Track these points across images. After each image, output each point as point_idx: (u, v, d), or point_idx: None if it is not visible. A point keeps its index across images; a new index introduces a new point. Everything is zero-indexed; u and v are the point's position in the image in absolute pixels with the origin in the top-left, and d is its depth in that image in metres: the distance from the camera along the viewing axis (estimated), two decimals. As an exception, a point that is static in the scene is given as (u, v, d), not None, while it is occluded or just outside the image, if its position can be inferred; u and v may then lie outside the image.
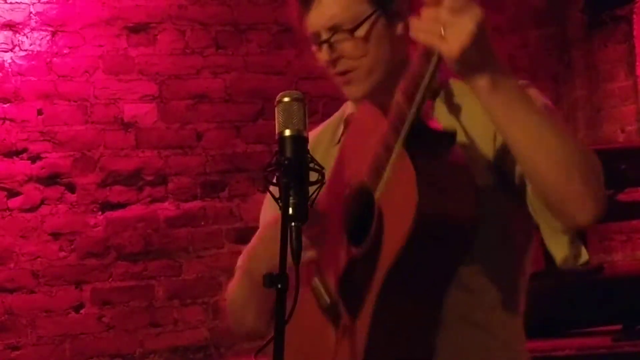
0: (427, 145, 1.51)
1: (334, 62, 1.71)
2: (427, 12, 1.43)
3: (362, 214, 1.61)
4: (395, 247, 1.49)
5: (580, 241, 1.58)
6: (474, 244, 1.53)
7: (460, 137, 1.63)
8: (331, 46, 1.70)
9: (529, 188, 1.58)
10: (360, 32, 1.69)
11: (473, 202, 1.50)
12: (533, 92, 1.66)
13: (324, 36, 1.71)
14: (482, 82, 1.45)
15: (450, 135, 1.54)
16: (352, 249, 1.63)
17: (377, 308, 1.54)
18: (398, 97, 1.52)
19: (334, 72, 1.73)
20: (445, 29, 1.40)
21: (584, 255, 1.59)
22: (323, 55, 1.72)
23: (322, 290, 1.70)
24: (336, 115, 1.89)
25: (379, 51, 1.70)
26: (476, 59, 1.43)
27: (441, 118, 1.66)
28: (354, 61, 1.70)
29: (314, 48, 1.75)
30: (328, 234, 1.67)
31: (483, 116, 1.52)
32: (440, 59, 1.43)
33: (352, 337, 1.60)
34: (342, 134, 1.81)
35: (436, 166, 1.51)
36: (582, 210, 1.50)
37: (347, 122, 1.82)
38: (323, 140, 1.85)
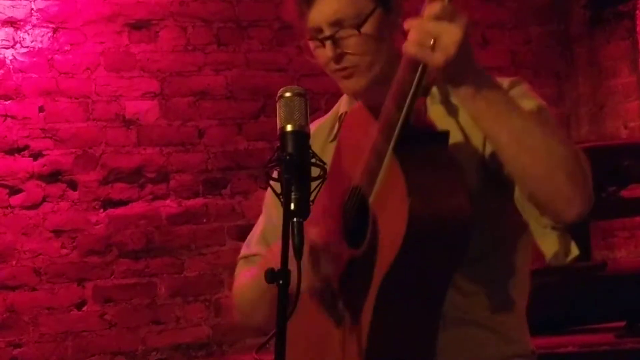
0: (418, 149, 1.52)
1: (337, 58, 1.70)
2: (415, 23, 1.45)
3: (358, 217, 1.62)
4: (390, 253, 1.51)
5: (570, 236, 1.60)
6: (469, 242, 1.53)
7: (457, 137, 1.64)
8: (335, 42, 1.70)
9: (516, 187, 1.60)
10: (365, 29, 1.69)
11: (466, 202, 1.50)
12: (523, 89, 1.67)
13: (327, 32, 1.71)
14: (466, 88, 1.48)
15: (442, 135, 1.55)
16: (350, 250, 1.64)
17: (376, 310, 1.55)
18: (388, 103, 1.53)
19: (335, 67, 1.72)
20: (434, 39, 1.42)
21: (574, 251, 1.60)
22: (326, 51, 1.71)
23: (325, 289, 1.70)
24: (331, 112, 1.89)
25: (380, 47, 1.71)
26: (459, 67, 1.45)
27: (438, 118, 1.66)
28: (358, 57, 1.70)
29: (313, 44, 1.74)
30: (328, 234, 1.68)
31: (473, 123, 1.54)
32: (425, 67, 1.46)
33: (354, 338, 1.60)
34: (337, 131, 1.82)
35: (427, 169, 1.52)
36: (568, 208, 1.53)
37: (342, 120, 1.82)
38: (319, 138, 1.84)
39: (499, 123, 1.50)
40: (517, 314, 1.74)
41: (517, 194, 1.60)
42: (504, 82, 1.67)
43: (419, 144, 1.53)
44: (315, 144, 1.80)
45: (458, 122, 1.67)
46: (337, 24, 1.69)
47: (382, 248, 1.54)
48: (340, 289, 1.67)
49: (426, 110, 1.60)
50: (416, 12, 1.53)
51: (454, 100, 1.66)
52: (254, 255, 1.93)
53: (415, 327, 1.57)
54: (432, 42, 1.42)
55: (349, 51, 1.70)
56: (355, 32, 1.68)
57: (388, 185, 1.54)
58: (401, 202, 1.48)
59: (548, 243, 1.59)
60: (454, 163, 1.54)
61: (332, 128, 1.85)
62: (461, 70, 1.47)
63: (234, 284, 1.94)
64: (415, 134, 1.52)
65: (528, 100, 1.63)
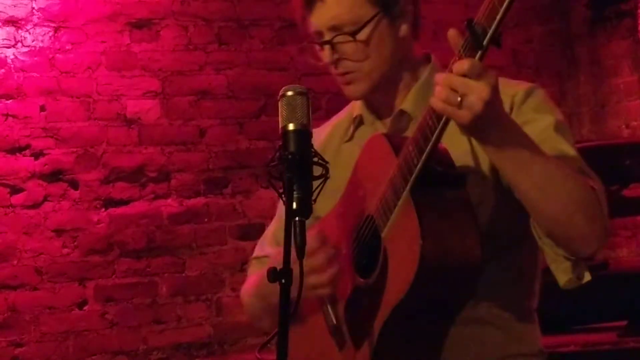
0: (434, 192, 1.55)
1: (335, 62, 1.73)
2: (442, 78, 1.46)
3: (369, 246, 1.66)
4: (398, 291, 1.54)
5: (583, 264, 1.62)
6: (478, 282, 1.56)
7: (459, 151, 1.65)
8: (333, 47, 1.72)
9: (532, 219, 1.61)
10: (362, 35, 1.71)
11: (477, 247, 1.54)
12: (538, 99, 1.68)
13: (326, 36, 1.73)
14: (490, 141, 1.50)
15: (459, 178, 1.58)
16: (358, 278, 1.67)
17: (379, 343, 1.59)
18: (409, 143, 1.55)
19: (334, 72, 1.75)
20: (461, 97, 1.43)
21: (587, 277, 1.62)
22: (325, 55, 1.74)
23: (330, 310, 1.74)
24: (344, 112, 1.91)
25: (380, 54, 1.73)
26: (485, 124, 1.46)
27: (453, 131, 1.67)
28: (355, 64, 1.73)
29: (317, 47, 1.76)
30: (338, 256, 1.71)
31: None
32: (449, 119, 1.48)
33: None
34: (352, 133, 1.84)
35: (441, 213, 1.55)
36: (584, 247, 1.57)
37: (357, 123, 1.84)
38: (335, 137, 1.87)
39: (521, 173, 1.52)
40: (526, 313, 1.74)
41: (533, 223, 1.62)
42: (520, 90, 1.68)
43: (435, 187, 1.56)
44: (332, 143, 1.85)
45: None
46: (335, 29, 1.71)
47: (390, 284, 1.57)
48: (345, 314, 1.71)
49: (447, 150, 1.61)
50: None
51: None
52: (266, 256, 1.94)
53: (418, 356, 1.61)
54: (459, 100, 1.43)
55: (346, 57, 1.72)
56: (351, 38, 1.70)
57: (402, 223, 1.57)
58: (413, 243, 1.52)
59: (561, 270, 1.61)
60: (469, 207, 1.57)
61: (347, 129, 1.87)
62: (486, 127, 1.48)
63: (244, 285, 1.94)
64: (432, 176, 1.55)
65: (542, 114, 1.65)
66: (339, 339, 1.71)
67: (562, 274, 1.60)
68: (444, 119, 1.48)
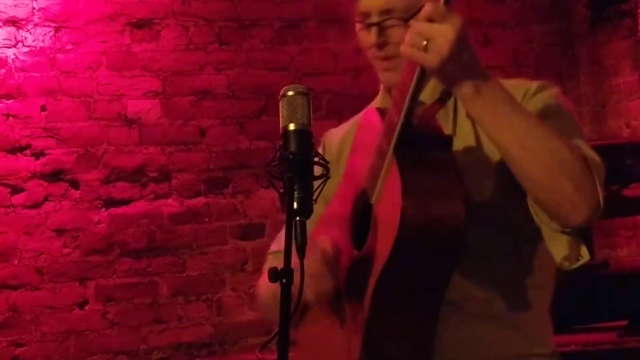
0: (417, 152, 1.54)
1: (380, 45, 1.72)
2: (412, 25, 1.47)
3: (363, 218, 1.65)
4: (383, 255, 1.52)
5: (581, 241, 1.59)
6: (464, 245, 1.54)
7: (470, 141, 1.65)
8: (381, 30, 1.71)
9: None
10: (413, 22, 1.70)
11: (461, 207, 1.51)
12: (549, 94, 1.67)
13: (375, 18, 1.72)
14: (465, 89, 1.49)
15: (444, 140, 1.57)
16: (353, 250, 1.66)
17: (371, 311, 1.57)
18: (391, 105, 1.55)
19: (376, 54, 1.74)
20: (427, 41, 1.44)
21: (585, 255, 1.59)
22: (370, 37, 1.73)
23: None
24: (365, 110, 1.90)
25: None
26: (456, 68, 1.46)
27: (460, 120, 1.68)
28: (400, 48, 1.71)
29: (359, 26, 1.76)
30: (340, 235, 1.70)
31: None
32: (423, 70, 1.48)
33: (352, 338, 1.62)
34: None
35: (424, 172, 1.53)
36: (574, 213, 1.53)
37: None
38: (351, 134, 1.87)
39: (500, 124, 1.50)
40: (540, 313, 1.73)
41: (528, 197, 1.60)
42: (534, 84, 1.68)
43: (418, 147, 1.54)
44: (349, 139, 1.84)
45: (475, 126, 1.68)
46: (387, 12, 1.71)
47: (378, 249, 1.56)
48: (344, 290, 1.69)
49: (434, 117, 1.60)
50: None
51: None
52: (282, 251, 1.94)
53: (411, 328, 1.58)
54: (424, 44, 1.44)
55: (393, 41, 1.71)
56: (402, 23, 1.69)
57: (387, 186, 1.56)
58: (396, 203, 1.50)
59: (558, 247, 1.59)
60: (453, 168, 1.54)
61: None
62: (459, 71, 1.47)
63: (259, 279, 1.94)
64: (415, 136, 1.53)
65: (553, 104, 1.64)
66: (341, 316, 1.70)
67: (558, 250, 1.58)
68: (417, 70, 1.48)
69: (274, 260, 1.94)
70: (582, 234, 1.59)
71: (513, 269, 1.67)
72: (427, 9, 1.45)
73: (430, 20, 1.45)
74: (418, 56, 1.46)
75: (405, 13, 1.70)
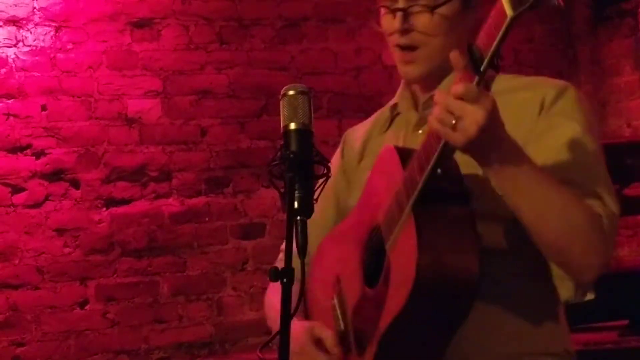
0: (436, 207, 1.56)
1: (403, 32, 1.71)
2: (443, 100, 1.46)
3: (376, 255, 1.67)
4: (396, 305, 1.55)
5: (588, 286, 1.66)
6: (473, 302, 1.57)
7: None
8: (406, 16, 1.70)
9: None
10: (440, 11, 1.69)
11: (475, 264, 1.54)
12: (569, 102, 1.66)
13: (402, 4, 1.70)
14: (489, 165, 1.51)
15: (463, 194, 1.58)
16: (365, 287, 1.69)
17: (378, 354, 1.60)
18: (413, 162, 1.56)
19: (397, 41, 1.72)
20: (456, 120, 1.44)
21: (590, 295, 1.64)
22: (394, 22, 1.71)
23: (339, 314, 1.76)
24: (388, 104, 1.90)
25: (449, 35, 1.71)
26: (483, 147, 1.47)
27: None
28: (425, 37, 1.71)
29: (383, 10, 1.74)
30: (351, 259, 1.72)
31: (511, 127, 1.54)
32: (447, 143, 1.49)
33: None
34: (389, 124, 1.84)
35: (441, 228, 1.56)
36: (581, 274, 1.59)
37: (394, 112, 1.84)
38: (376, 128, 1.88)
39: (521, 198, 1.53)
40: (551, 311, 1.72)
41: None
42: (552, 89, 1.67)
43: (438, 203, 1.56)
44: (373, 134, 1.85)
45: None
46: None
47: (391, 295, 1.59)
48: (352, 320, 1.72)
49: (457, 164, 1.61)
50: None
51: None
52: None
53: None
54: (453, 122, 1.44)
55: (418, 29, 1.70)
56: (429, 11, 1.68)
57: (403, 237, 1.58)
58: (411, 257, 1.53)
59: (564, 288, 1.64)
60: (470, 223, 1.57)
61: (386, 119, 1.86)
62: (485, 150, 1.48)
63: (268, 290, 1.95)
64: (436, 192, 1.55)
65: (569, 121, 1.63)
66: (345, 345, 1.72)
67: (565, 290, 1.63)
68: (442, 142, 1.49)
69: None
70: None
71: (522, 266, 1.67)
72: (460, 87, 1.44)
73: (461, 98, 1.44)
74: (445, 133, 1.46)
75: (433, 1, 1.68)
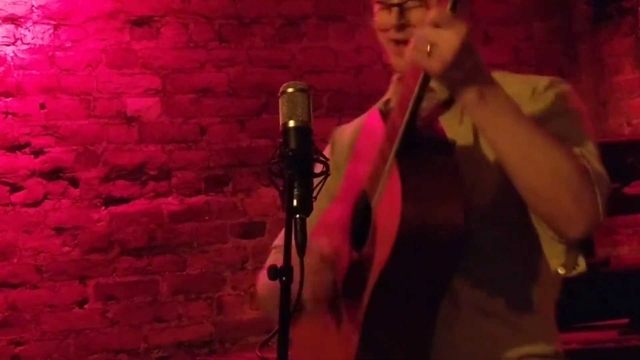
0: (419, 155, 1.54)
1: (399, 27, 1.70)
2: (417, 30, 1.48)
3: (362, 220, 1.65)
4: (382, 259, 1.52)
5: (578, 250, 1.59)
6: (465, 250, 1.54)
7: (470, 140, 1.64)
8: (402, 11, 1.70)
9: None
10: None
11: (460, 212, 1.51)
12: (564, 91, 1.65)
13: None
14: (469, 95, 1.49)
15: (446, 144, 1.57)
16: (352, 252, 1.67)
17: (368, 313, 1.57)
18: (394, 110, 1.56)
19: (393, 36, 1.72)
20: (431, 46, 1.44)
21: (581, 266, 1.59)
22: (390, 17, 1.71)
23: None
24: (376, 104, 1.90)
25: None
26: (460, 74, 1.46)
27: (466, 122, 1.66)
28: None
29: (378, 6, 1.74)
30: (339, 238, 1.70)
31: None
32: (427, 74, 1.48)
33: (348, 339, 1.62)
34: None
35: (425, 176, 1.53)
36: (571, 227, 1.53)
37: (387, 107, 1.82)
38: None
39: (503, 133, 1.50)
40: (543, 313, 1.71)
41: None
42: (544, 80, 1.67)
43: (421, 150, 1.55)
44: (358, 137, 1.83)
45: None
46: None
47: (377, 251, 1.56)
48: (342, 291, 1.69)
49: (437, 119, 1.60)
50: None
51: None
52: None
53: (408, 330, 1.58)
54: (428, 49, 1.44)
55: (413, 23, 1.69)
56: (425, 6, 1.68)
57: (388, 188, 1.56)
58: (396, 206, 1.50)
59: (554, 255, 1.59)
60: (454, 172, 1.54)
61: None
62: (462, 77, 1.47)
63: (260, 274, 1.93)
64: (418, 140, 1.54)
65: (564, 105, 1.63)
66: (337, 317, 1.70)
67: (554, 258, 1.58)
68: (422, 74, 1.48)
69: (277, 255, 1.93)
70: (580, 243, 1.59)
71: (514, 267, 1.66)
72: (433, 14, 1.45)
73: (436, 25, 1.45)
74: (422, 61, 1.46)
75: None
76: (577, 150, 1.57)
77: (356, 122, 1.92)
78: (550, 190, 1.50)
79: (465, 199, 1.53)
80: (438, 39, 1.44)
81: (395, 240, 1.49)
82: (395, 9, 1.70)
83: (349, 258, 1.67)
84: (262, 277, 1.88)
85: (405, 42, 1.69)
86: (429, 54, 1.44)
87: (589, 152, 1.59)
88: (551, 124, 1.59)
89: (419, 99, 1.51)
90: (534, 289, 1.69)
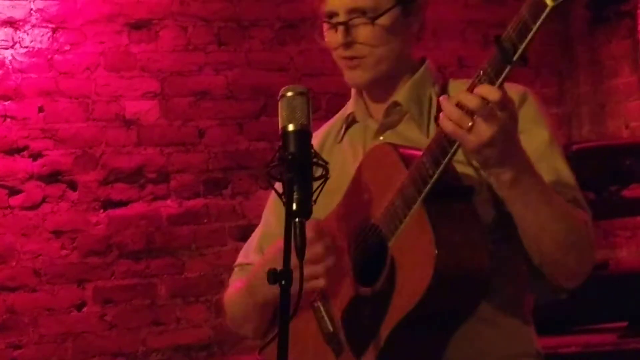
0: (446, 203, 1.57)
1: (346, 45, 1.72)
2: (462, 97, 1.44)
3: (371, 254, 1.65)
4: (410, 299, 1.54)
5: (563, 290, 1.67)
6: (487, 291, 1.59)
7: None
8: (348, 29, 1.71)
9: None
10: (380, 21, 1.70)
11: (487, 257, 1.56)
12: (533, 108, 1.68)
13: (342, 18, 1.72)
14: (504, 176, 1.51)
15: (468, 191, 1.59)
16: (359, 287, 1.67)
17: (384, 351, 1.59)
18: (424, 157, 1.54)
19: (342, 54, 1.73)
20: (473, 124, 1.43)
21: (563, 295, 1.66)
22: (336, 36, 1.73)
23: (325, 316, 1.74)
24: (339, 114, 1.90)
25: (392, 45, 1.72)
26: (497, 155, 1.47)
27: (432, 124, 1.68)
28: (368, 48, 1.72)
29: (326, 26, 1.75)
30: (335, 248, 1.70)
31: None
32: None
33: None
34: (344, 133, 1.83)
35: (453, 224, 1.57)
36: (570, 282, 1.63)
37: (349, 121, 1.83)
38: (329, 139, 1.86)
39: (529, 210, 1.55)
40: (523, 313, 1.74)
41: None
42: (513, 94, 1.65)
43: (447, 199, 1.57)
44: (326, 145, 1.84)
45: None
46: (354, 12, 1.71)
47: (400, 292, 1.58)
48: (342, 321, 1.70)
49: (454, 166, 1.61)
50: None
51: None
52: (249, 264, 1.94)
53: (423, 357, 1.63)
54: (470, 125, 1.43)
55: (360, 40, 1.71)
56: (370, 22, 1.69)
57: (413, 233, 1.57)
58: (427, 253, 1.52)
59: (540, 290, 1.66)
60: (477, 219, 1.58)
61: (339, 129, 1.86)
62: (499, 157, 1.48)
63: (226, 292, 1.94)
64: (444, 188, 1.55)
65: (538, 127, 1.66)
66: (335, 346, 1.71)
67: (540, 293, 1.67)
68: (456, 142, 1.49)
69: (240, 274, 1.93)
70: None
71: (501, 268, 1.66)
72: (484, 89, 1.42)
73: (488, 101, 1.42)
74: (459, 134, 1.45)
75: (373, 12, 1.69)
76: (569, 194, 1.63)
77: (317, 137, 1.86)
78: (560, 255, 1.58)
79: (488, 243, 1.57)
80: (483, 120, 1.42)
81: (429, 285, 1.52)
82: (341, 28, 1.71)
83: (354, 289, 1.68)
84: (229, 296, 1.88)
85: (352, 58, 1.72)
86: (470, 129, 1.43)
87: (577, 191, 1.65)
88: (529, 141, 1.60)
89: (454, 155, 1.51)
90: (518, 291, 1.73)
